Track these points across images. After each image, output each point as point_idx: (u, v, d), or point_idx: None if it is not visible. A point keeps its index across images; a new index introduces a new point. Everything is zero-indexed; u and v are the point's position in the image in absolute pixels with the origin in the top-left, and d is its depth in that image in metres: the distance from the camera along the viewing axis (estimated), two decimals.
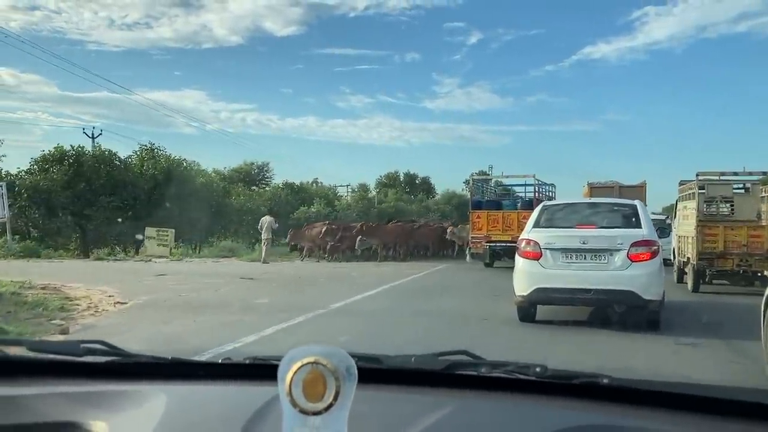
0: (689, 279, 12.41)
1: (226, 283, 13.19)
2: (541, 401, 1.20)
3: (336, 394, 0.87)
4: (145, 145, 28.91)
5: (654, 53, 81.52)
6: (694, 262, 11.94)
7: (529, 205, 18.56)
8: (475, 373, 1.25)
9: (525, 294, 7.73)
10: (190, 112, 79.81)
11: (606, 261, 7.52)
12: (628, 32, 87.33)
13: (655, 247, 7.59)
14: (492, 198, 20.33)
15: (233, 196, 35.09)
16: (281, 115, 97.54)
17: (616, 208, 8.67)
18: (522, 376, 1.22)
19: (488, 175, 19.97)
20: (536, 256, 7.72)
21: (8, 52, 74.47)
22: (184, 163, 29.15)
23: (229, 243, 24.56)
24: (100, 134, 34.22)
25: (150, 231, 22.10)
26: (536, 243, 7.76)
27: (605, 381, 1.18)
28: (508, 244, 18.51)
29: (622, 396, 1.17)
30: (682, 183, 14.28)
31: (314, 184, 46.33)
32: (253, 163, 47.37)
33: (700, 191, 12.55)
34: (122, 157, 27.16)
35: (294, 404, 0.87)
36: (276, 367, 0.90)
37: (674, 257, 14.38)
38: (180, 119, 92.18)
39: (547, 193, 20.28)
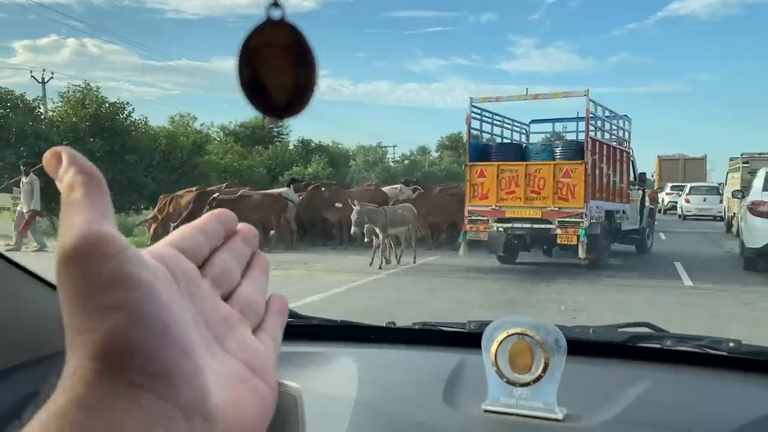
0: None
1: None
2: (740, 379, 1.07)
3: (545, 367, 0.85)
4: (78, 86, 21.73)
5: (748, 6, 69.03)
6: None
7: (578, 152, 9.69)
8: (659, 346, 1.15)
9: (758, 247, 9.06)
10: None
11: None
12: None
13: None
14: (509, 140, 11.47)
15: (213, 155, 27.79)
16: (354, 80, 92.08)
17: None
18: (712, 351, 1.11)
19: (501, 97, 10.74)
20: None
21: (93, 24, 75.75)
22: (126, 110, 21.78)
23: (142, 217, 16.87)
24: (51, 78, 27.54)
25: (4, 199, 14.75)
26: None
27: None
28: (536, 226, 9.87)
29: None
30: (731, 159, 19.97)
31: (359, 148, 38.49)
32: (265, 118, 39.77)
33: (744, 165, 17.82)
34: (29, 100, 20.04)
35: (500, 375, 0.86)
36: (460, 335, 0.93)
37: (725, 213, 19.45)
38: None
39: (615, 132, 11.30)
